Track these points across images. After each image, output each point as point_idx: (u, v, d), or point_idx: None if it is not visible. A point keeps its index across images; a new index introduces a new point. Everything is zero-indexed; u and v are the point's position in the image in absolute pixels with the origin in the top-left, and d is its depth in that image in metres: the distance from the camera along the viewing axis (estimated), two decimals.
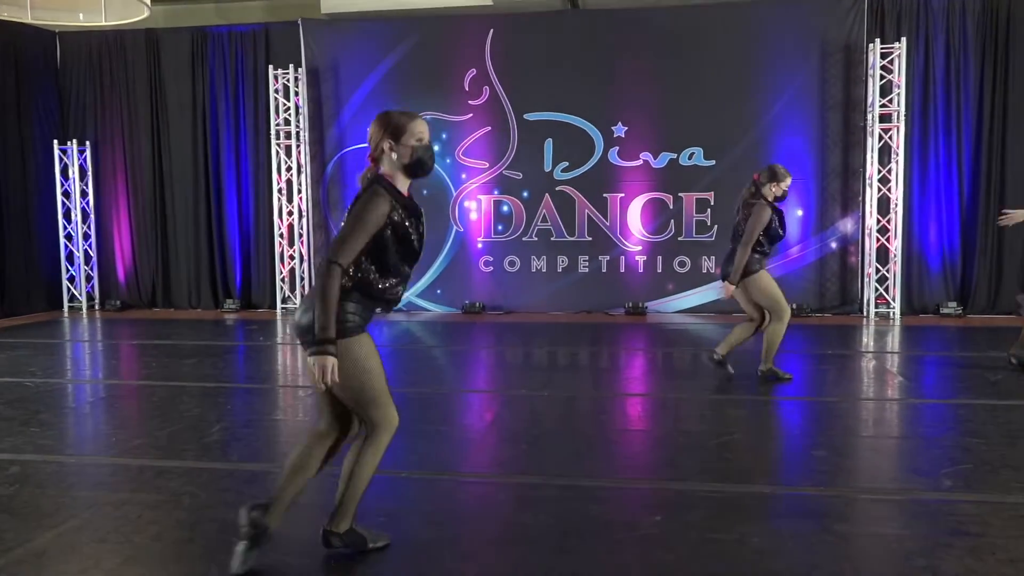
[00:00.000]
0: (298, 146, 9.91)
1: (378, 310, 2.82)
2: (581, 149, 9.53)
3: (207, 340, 8.15)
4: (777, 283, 5.87)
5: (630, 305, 9.45)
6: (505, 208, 9.73)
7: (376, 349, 2.79)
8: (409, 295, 9.82)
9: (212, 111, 10.29)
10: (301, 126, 9.87)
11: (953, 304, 8.96)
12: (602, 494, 3.63)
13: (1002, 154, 8.89)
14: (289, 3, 10.21)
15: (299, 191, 9.96)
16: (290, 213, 9.94)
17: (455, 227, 9.77)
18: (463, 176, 9.75)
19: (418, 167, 2.79)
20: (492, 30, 9.53)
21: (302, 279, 9.99)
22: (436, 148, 9.66)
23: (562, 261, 9.64)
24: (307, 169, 9.93)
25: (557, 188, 9.60)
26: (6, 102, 9.91)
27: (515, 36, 9.52)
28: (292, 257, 9.97)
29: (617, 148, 9.47)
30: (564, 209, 9.60)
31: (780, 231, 5.70)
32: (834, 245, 9.26)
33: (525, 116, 9.57)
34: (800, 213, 9.22)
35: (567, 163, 9.56)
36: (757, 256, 5.63)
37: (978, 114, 8.92)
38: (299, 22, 9.77)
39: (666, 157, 9.39)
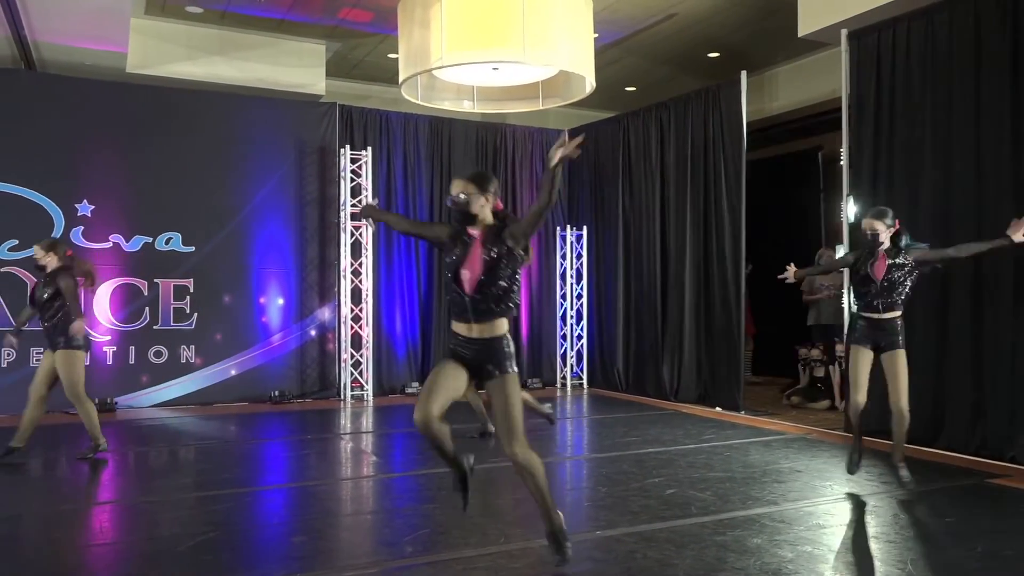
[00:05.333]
0: None
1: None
2: (36, 226, 8.37)
3: None
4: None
5: (97, 401, 8.44)
6: None
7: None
8: None
9: None
10: None
11: (416, 384, 10.07)
12: None
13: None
14: None
15: None
16: None
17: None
18: None
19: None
20: None
21: None
22: None
23: (7, 354, 8.22)
24: None
25: (3, 269, 8.23)
26: None
27: None
28: None
29: (82, 228, 8.57)
30: (11, 294, 8.24)
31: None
32: (313, 333, 9.69)
33: None
34: (281, 302, 9.46)
35: (16, 241, 8.29)
36: None
37: (429, 214, 10.38)
38: None
39: (140, 240, 8.81)
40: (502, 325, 3.63)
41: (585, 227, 10.80)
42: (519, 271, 3.63)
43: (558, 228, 10.91)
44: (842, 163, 7.51)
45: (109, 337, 8.70)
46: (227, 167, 9.21)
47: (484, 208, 3.61)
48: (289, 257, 9.53)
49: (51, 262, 5.98)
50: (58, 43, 8.16)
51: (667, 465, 5.89)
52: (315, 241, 9.70)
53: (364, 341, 9.67)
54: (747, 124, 8.46)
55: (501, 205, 3.69)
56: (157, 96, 8.93)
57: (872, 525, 4.45)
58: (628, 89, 11.25)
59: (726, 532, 4.23)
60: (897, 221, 5.08)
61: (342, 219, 9.61)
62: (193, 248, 9.02)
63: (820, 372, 8.98)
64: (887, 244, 5.05)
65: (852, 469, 5.27)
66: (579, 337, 10.86)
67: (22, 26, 7.69)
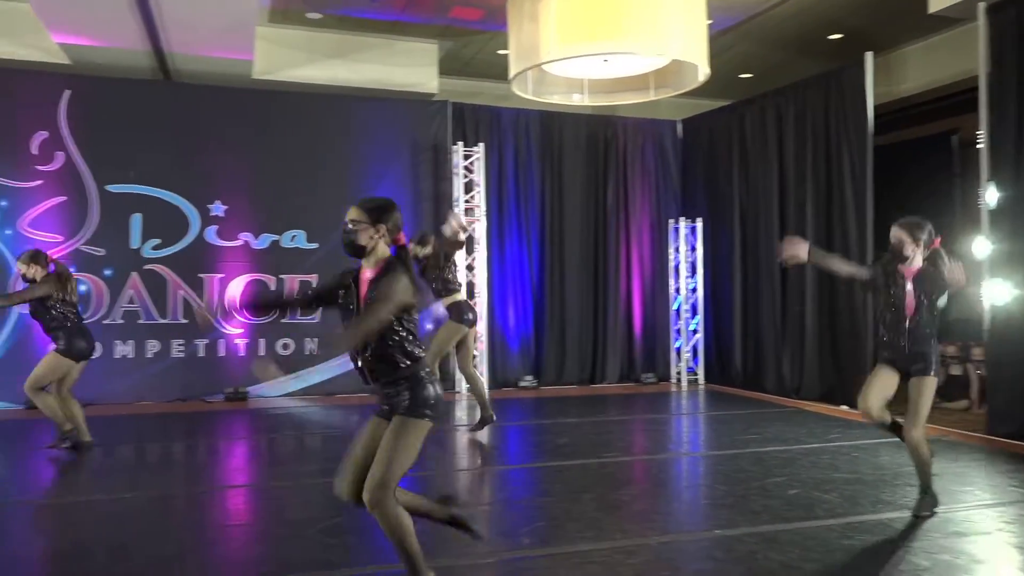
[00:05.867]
0: None
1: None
2: (174, 226, 8.95)
3: None
4: None
5: (230, 391, 8.97)
6: (83, 288, 8.65)
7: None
8: None
9: None
10: None
11: (530, 377, 10.14)
12: None
13: (561, 245, 10.46)
14: None
15: None
16: None
17: (18, 309, 8.38)
18: None
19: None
20: (69, 91, 8.60)
21: None
22: None
23: (152, 345, 8.84)
24: None
25: (146, 267, 8.85)
26: None
27: (98, 100, 8.70)
28: None
29: (216, 227, 9.10)
30: (154, 289, 8.86)
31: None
32: (430, 327, 9.90)
33: (108, 188, 8.72)
34: None
35: (159, 240, 8.90)
36: None
37: (540, 209, 10.42)
38: None
39: (267, 238, 9.27)
40: (402, 369, 3.10)
41: (700, 219, 10.56)
42: (406, 317, 3.12)
43: (671, 221, 10.71)
44: (980, 146, 7.02)
45: (241, 330, 9.20)
46: (346, 166, 9.54)
47: (374, 241, 3.19)
48: None
49: (36, 272, 6.15)
50: (191, 54, 8.66)
51: (789, 464, 5.70)
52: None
53: (478, 335, 9.81)
54: (873, 108, 8.04)
55: (404, 239, 3.26)
56: (281, 100, 9.35)
57: (1019, 535, 4.16)
58: (743, 76, 10.90)
59: (854, 536, 4.05)
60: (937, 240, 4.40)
61: None
62: (317, 245, 9.40)
63: (957, 370, 8.44)
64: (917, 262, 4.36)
65: None
66: (694, 332, 10.64)
67: (160, 40, 8.22)
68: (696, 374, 10.60)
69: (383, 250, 3.22)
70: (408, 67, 9.82)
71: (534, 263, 10.37)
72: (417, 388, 3.08)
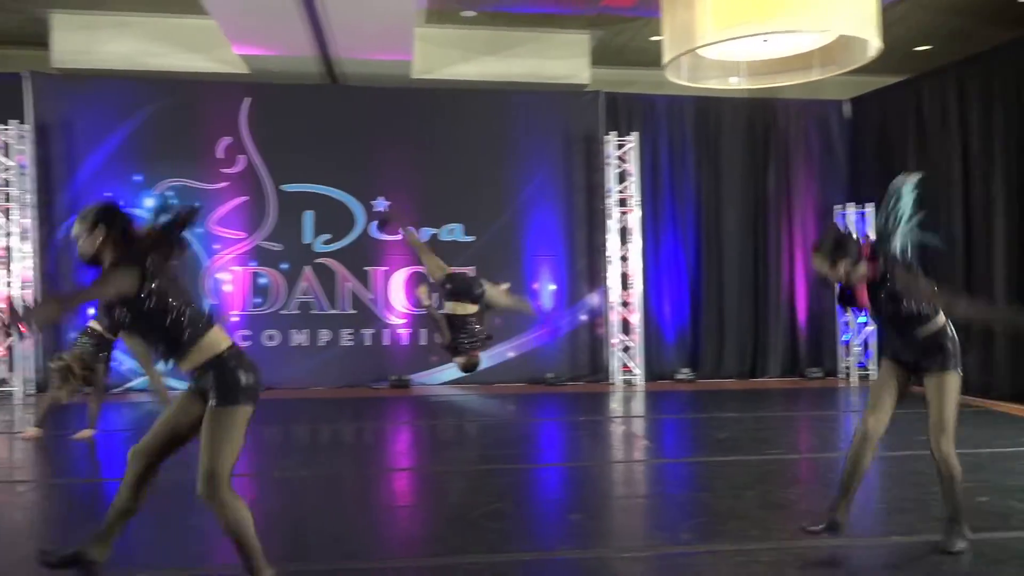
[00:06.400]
0: (21, 209, 8.83)
1: None
2: (342, 222, 9.47)
3: None
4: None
5: (395, 378, 9.40)
6: (263, 280, 9.35)
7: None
8: None
9: None
10: (26, 188, 8.83)
11: (686, 370, 9.92)
12: None
13: (718, 234, 10.15)
14: (11, 53, 9.27)
15: (22, 259, 8.82)
16: (8, 284, 8.76)
17: (207, 300, 9.19)
18: (216, 247, 9.25)
19: None
20: (249, 98, 9.29)
21: (25, 357, 8.77)
22: None
23: (324, 335, 9.40)
24: (32, 235, 8.85)
25: (317, 260, 9.42)
26: None
27: (273, 106, 9.35)
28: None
29: (378, 222, 9.54)
30: (325, 282, 9.42)
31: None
32: (584, 318, 9.93)
33: (283, 187, 9.35)
34: (553, 287, 9.81)
35: (329, 235, 9.44)
36: None
37: (696, 198, 10.15)
38: (25, 75, 8.85)
39: (427, 232, 9.60)
40: (206, 349, 2.96)
41: (870, 204, 9.90)
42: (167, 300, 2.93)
43: (837, 207, 10.11)
44: None
45: (404, 320, 9.61)
46: (501, 160, 9.72)
47: (98, 244, 2.97)
48: (559, 244, 9.85)
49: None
50: (355, 58, 9.12)
51: (976, 469, 5.23)
52: (583, 228, 9.92)
53: (632, 327, 9.71)
54: None
55: (139, 235, 3.00)
56: (438, 98, 9.66)
57: None
58: (919, 49, 10.09)
59: None
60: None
61: (608, 206, 9.72)
62: (473, 237, 9.65)
63: None
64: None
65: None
66: (864, 324, 10.00)
67: (327, 46, 8.70)
68: (867, 369, 9.96)
69: (109, 252, 2.99)
70: (560, 59, 9.84)
71: (690, 252, 10.13)
72: (224, 374, 2.93)
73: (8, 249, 8.80)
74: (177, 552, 3.85)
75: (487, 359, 9.58)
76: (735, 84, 8.33)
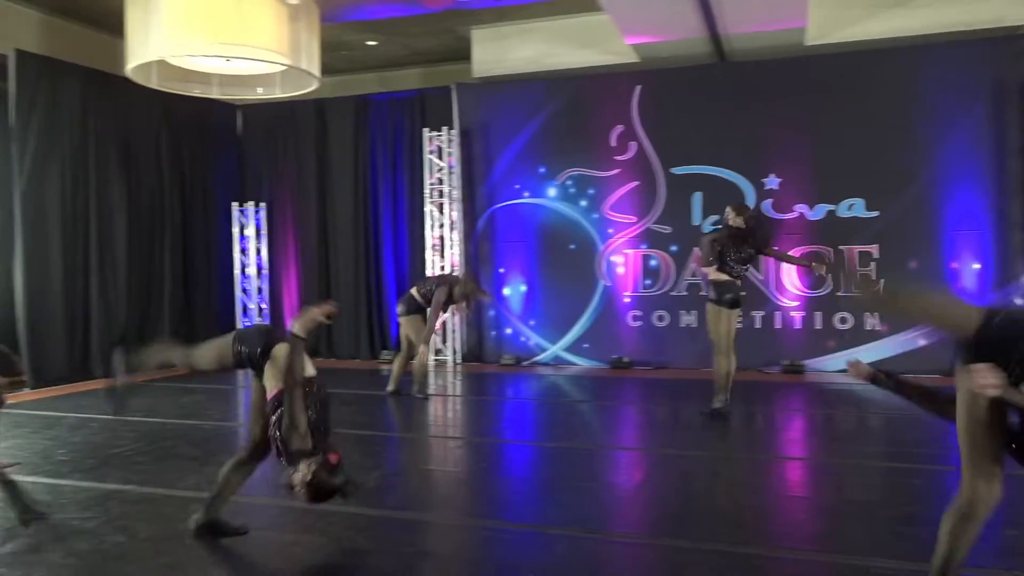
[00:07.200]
0: (450, 203, 10.31)
1: None
2: (732, 202, 9.30)
3: (363, 389, 8.49)
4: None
5: (787, 363, 9.02)
6: (653, 262, 9.63)
7: None
8: (556, 349, 9.87)
9: (372, 173, 10.94)
10: (453, 185, 10.28)
11: None
12: (758, 563, 3.43)
13: None
14: (443, 69, 10.80)
15: (451, 247, 10.32)
16: (442, 268, 10.30)
17: (602, 281, 9.76)
18: (609, 231, 9.76)
19: None
20: (639, 86, 9.60)
21: (454, 331, 10.28)
22: (584, 204, 9.79)
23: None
24: (459, 225, 10.29)
25: None
26: (194, 168, 10.95)
27: (662, 91, 9.53)
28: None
29: (771, 200, 9.20)
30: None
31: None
32: (1020, 301, 8.47)
33: (672, 170, 9.50)
34: (977, 267, 8.54)
35: (717, 216, 9.37)
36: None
37: None
38: (452, 87, 10.25)
39: (823, 208, 9.01)
40: None
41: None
42: None
43: None
44: None
45: (797, 303, 9.16)
46: (908, 125, 8.69)
47: None
48: (984, 217, 8.52)
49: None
50: (745, 32, 8.86)
51: None
52: (1019, 196, 8.44)
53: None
54: None
55: None
56: (835, 63, 8.94)
57: None
58: None
59: None
60: None
61: None
62: (877, 213, 8.81)
63: None
64: None
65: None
66: None
67: (716, 24, 8.59)
68: None
69: None
70: (982, 2, 8.46)
71: None
72: None
73: (441, 239, 10.35)
74: None
75: (894, 346, 8.76)
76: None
